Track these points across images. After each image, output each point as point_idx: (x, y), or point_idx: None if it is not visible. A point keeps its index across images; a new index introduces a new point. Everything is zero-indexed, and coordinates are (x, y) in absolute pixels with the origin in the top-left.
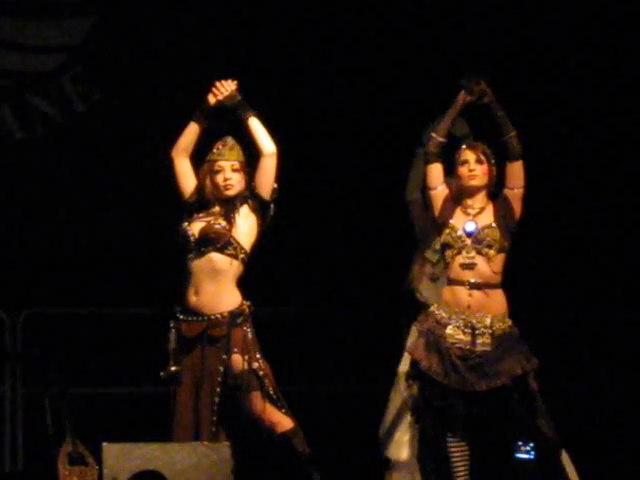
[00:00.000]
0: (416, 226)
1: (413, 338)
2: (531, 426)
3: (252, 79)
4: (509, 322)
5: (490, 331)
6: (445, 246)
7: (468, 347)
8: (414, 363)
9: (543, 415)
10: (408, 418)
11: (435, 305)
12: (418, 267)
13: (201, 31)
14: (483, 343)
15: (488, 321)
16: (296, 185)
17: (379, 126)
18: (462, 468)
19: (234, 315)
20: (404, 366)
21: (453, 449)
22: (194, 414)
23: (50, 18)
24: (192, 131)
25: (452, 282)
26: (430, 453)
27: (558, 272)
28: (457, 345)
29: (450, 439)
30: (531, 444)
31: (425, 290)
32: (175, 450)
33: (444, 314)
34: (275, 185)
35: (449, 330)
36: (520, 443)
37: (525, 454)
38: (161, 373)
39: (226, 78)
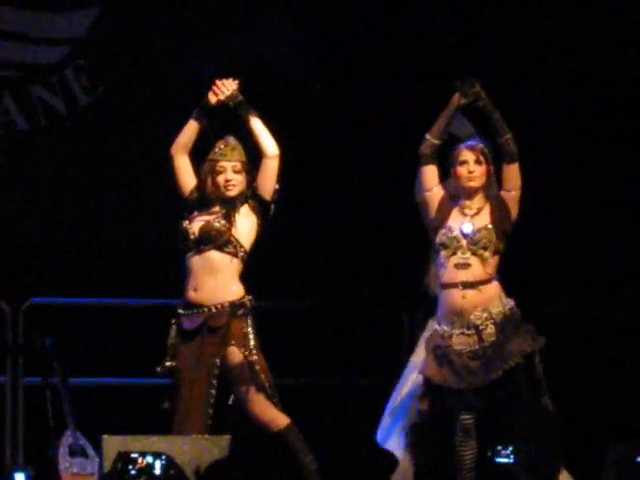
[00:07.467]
0: (428, 227)
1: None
2: (535, 403)
3: (254, 77)
4: (509, 304)
5: (492, 321)
6: (440, 246)
7: (477, 346)
8: (426, 381)
9: (546, 393)
10: (409, 423)
11: (433, 318)
12: (434, 268)
13: (205, 25)
14: (489, 334)
15: (486, 314)
16: (303, 181)
17: (387, 125)
18: (469, 463)
19: (235, 306)
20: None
21: (463, 447)
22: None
23: (55, 10)
24: (191, 129)
25: (445, 286)
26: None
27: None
28: (467, 350)
29: (461, 437)
30: (511, 448)
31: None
32: (176, 442)
33: (445, 327)
34: (277, 186)
35: (455, 340)
36: (500, 447)
37: (505, 458)
38: (157, 368)
39: (228, 76)
